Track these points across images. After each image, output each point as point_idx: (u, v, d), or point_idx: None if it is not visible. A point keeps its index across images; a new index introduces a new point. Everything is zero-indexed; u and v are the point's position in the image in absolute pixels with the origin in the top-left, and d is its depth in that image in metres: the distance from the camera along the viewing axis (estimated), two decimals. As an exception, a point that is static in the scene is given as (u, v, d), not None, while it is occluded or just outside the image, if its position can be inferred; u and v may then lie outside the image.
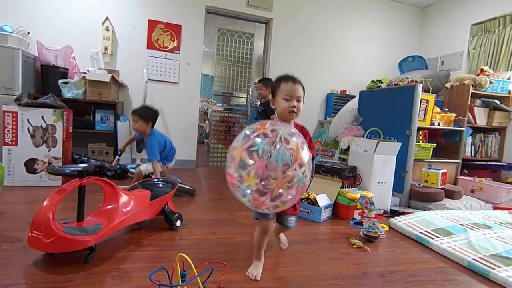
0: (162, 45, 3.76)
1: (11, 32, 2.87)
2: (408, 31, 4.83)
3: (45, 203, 1.17)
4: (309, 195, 2.24)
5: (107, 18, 3.49)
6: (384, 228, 1.99)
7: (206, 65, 4.43)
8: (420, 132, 2.85)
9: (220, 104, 4.43)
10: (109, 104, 3.29)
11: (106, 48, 3.52)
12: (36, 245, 1.13)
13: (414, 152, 2.68)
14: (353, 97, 4.37)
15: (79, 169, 1.23)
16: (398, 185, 2.61)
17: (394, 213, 2.41)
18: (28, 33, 3.07)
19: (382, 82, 4.15)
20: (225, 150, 4.34)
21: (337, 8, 4.48)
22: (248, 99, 4.40)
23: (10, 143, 2.39)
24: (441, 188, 2.68)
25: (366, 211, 1.92)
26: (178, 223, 1.77)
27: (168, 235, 1.69)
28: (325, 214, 2.18)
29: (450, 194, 2.69)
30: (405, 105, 2.66)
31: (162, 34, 3.75)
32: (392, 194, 2.51)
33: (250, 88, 4.39)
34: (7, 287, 1.09)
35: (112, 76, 3.27)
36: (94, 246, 1.26)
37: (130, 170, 3.08)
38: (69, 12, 3.39)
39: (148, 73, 3.64)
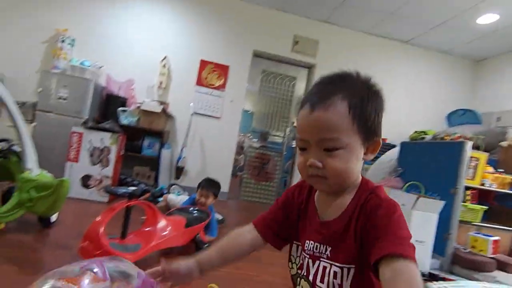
0: (210, 83, 4.10)
1: (88, 66, 3.36)
2: (459, 83, 4.73)
3: (98, 218, 1.30)
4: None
5: (165, 57, 3.93)
6: (420, 291, 1.83)
7: (248, 101, 4.69)
8: (468, 192, 2.68)
9: (256, 140, 4.60)
10: (157, 132, 3.59)
11: (161, 83, 3.92)
12: (85, 255, 1.25)
13: (459, 213, 2.51)
14: (393, 146, 4.26)
15: (130, 191, 1.37)
16: (439, 247, 2.42)
17: (432, 277, 2.22)
18: (101, 67, 3.56)
19: (426, 134, 4.03)
20: (257, 186, 4.39)
21: (382, 59, 4.58)
22: (284, 138, 4.50)
23: (73, 159, 2.70)
24: (492, 257, 2.43)
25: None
26: (207, 254, 1.80)
27: (196, 265, 1.73)
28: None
29: (503, 266, 2.41)
30: (451, 161, 2.55)
31: (211, 73, 4.10)
32: (432, 256, 2.33)
33: (288, 128, 4.51)
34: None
35: (163, 108, 3.60)
36: (131, 265, 1.34)
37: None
38: (136, 50, 3.89)
39: (194, 107, 3.94)
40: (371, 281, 0.58)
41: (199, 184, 2.31)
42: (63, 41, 3.49)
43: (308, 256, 0.64)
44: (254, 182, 4.39)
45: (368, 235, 0.57)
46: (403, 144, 3.36)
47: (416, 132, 4.19)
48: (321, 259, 0.62)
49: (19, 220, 1.80)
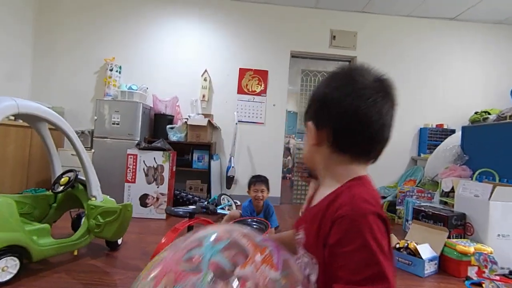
0: (250, 90, 4.12)
1: (136, 90, 3.58)
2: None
3: (163, 240, 1.35)
4: (408, 244, 2.02)
5: (205, 71, 4.04)
6: (513, 295, 1.63)
7: (290, 102, 4.64)
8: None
9: (300, 140, 4.52)
10: (205, 145, 3.69)
11: (203, 96, 4.03)
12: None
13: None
14: (453, 131, 3.90)
15: (190, 211, 1.40)
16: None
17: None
18: (147, 88, 3.78)
19: (489, 114, 3.60)
20: (308, 188, 4.30)
21: (427, 40, 4.23)
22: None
23: (130, 180, 2.88)
24: None
25: (486, 270, 1.62)
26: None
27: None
28: (429, 268, 1.91)
29: None
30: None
31: (251, 80, 4.12)
32: (519, 251, 2.07)
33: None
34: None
35: (208, 120, 3.69)
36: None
37: (218, 210, 3.07)
38: (177, 68, 4.05)
39: (238, 115, 3.99)
40: None
41: (249, 183, 2.40)
42: (111, 69, 3.77)
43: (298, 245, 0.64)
44: (306, 184, 4.31)
45: (329, 251, 0.52)
46: (465, 129, 3.05)
47: (476, 113, 3.77)
48: (300, 246, 0.62)
49: (89, 245, 1.93)
